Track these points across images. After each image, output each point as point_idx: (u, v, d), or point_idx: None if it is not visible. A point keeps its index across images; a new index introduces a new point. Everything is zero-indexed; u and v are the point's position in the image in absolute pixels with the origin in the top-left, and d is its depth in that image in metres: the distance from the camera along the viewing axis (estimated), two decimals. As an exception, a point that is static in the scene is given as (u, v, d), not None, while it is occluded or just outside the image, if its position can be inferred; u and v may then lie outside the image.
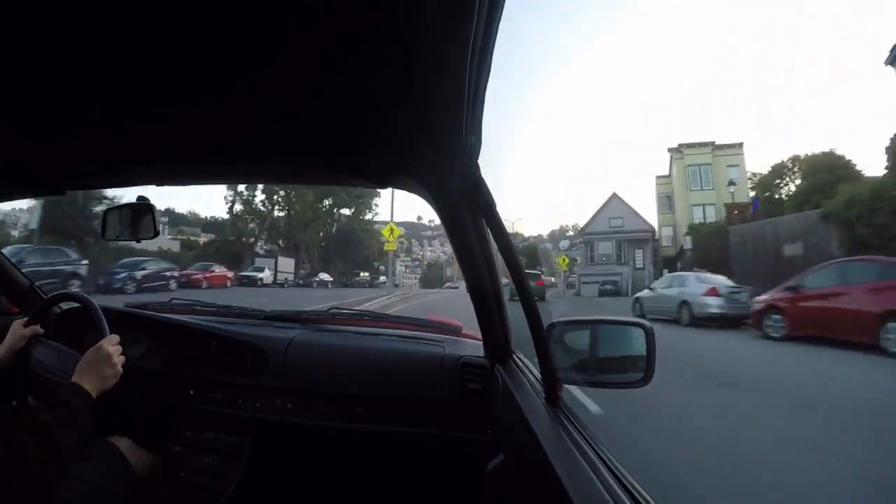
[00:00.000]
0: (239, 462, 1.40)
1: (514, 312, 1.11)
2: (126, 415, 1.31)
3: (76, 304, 1.31)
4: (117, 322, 1.42)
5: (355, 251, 36.21)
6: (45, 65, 0.56)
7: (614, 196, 32.53)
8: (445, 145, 0.73)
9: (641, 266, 28.46)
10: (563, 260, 29.38)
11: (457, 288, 42.05)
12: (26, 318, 1.22)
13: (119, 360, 1.05)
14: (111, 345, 1.05)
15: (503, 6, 0.45)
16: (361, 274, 33.86)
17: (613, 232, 30.58)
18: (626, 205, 32.23)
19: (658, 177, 34.14)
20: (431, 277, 68.31)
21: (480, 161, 0.77)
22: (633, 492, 0.63)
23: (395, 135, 0.74)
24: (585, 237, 32.08)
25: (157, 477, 1.32)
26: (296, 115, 0.71)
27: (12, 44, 0.51)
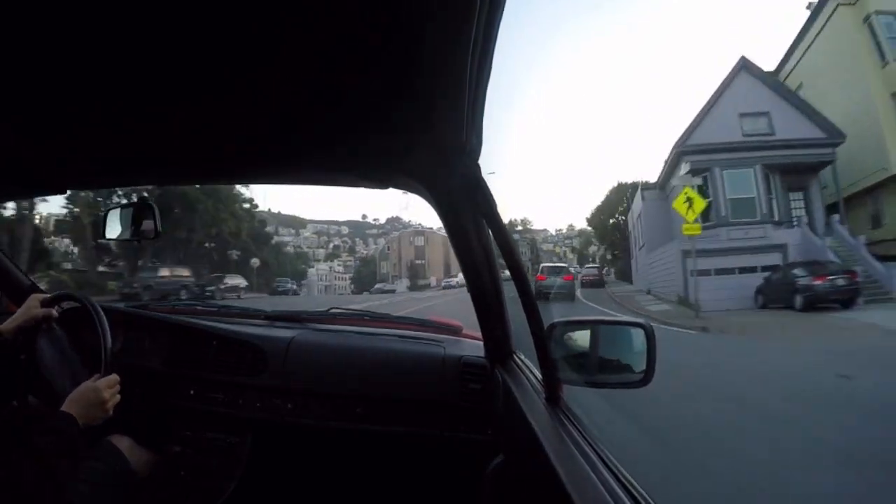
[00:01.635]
0: (239, 462, 1.40)
1: (515, 312, 1.11)
2: (126, 415, 1.31)
3: (77, 304, 1.31)
4: (118, 322, 1.42)
5: (171, 232, 18.82)
6: (45, 65, 0.56)
7: (742, 66, 14.51)
8: (445, 145, 0.73)
9: (807, 221, 13.67)
10: (691, 198, 11.55)
11: (392, 291, 34.04)
12: (45, 297, 1.22)
13: (112, 403, 1.04)
14: (108, 388, 1.04)
15: (503, 6, 0.45)
16: (165, 272, 16.15)
17: (753, 146, 13.57)
18: (771, 84, 14.52)
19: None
20: (365, 277, 57.76)
21: (480, 161, 0.77)
22: (633, 492, 0.63)
23: (395, 135, 0.74)
24: (694, 162, 13.91)
25: (158, 477, 1.32)
26: (296, 115, 0.71)
27: (12, 44, 0.51)
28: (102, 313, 1.19)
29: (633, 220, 22.00)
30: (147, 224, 1.34)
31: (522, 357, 1.27)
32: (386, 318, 1.76)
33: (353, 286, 54.52)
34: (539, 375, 1.02)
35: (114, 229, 1.35)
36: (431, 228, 57.02)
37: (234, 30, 0.49)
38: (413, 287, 42.80)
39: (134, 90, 0.63)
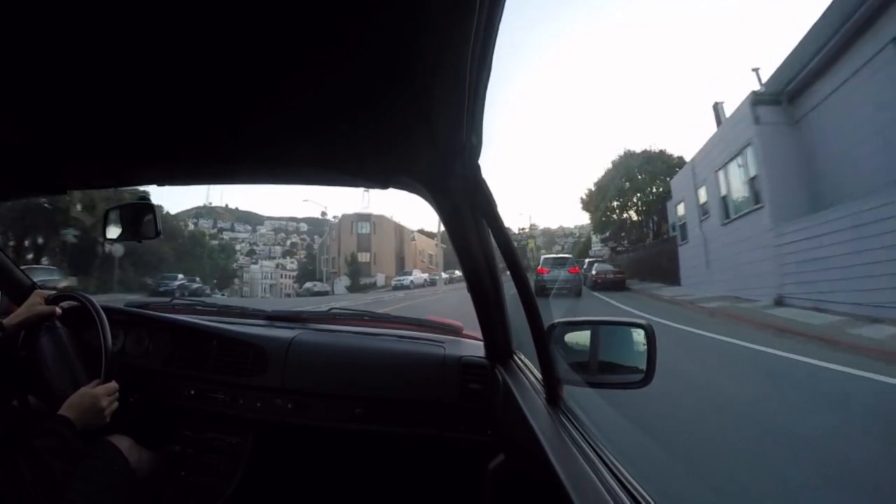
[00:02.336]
0: (239, 462, 1.40)
1: (515, 312, 1.11)
2: (126, 415, 1.31)
3: (77, 304, 1.31)
4: (118, 322, 1.42)
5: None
6: (45, 65, 0.56)
7: None
8: (446, 145, 0.73)
9: None
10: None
11: (326, 293, 27.26)
12: (49, 293, 1.23)
13: (110, 411, 1.05)
14: (106, 395, 1.05)
15: (503, 6, 0.45)
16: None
17: None
18: None
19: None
20: (310, 275, 47.49)
21: (481, 161, 0.77)
22: (633, 492, 0.63)
23: (395, 135, 0.74)
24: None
25: (158, 476, 1.32)
26: (296, 115, 0.71)
27: (13, 44, 0.51)
28: (103, 314, 1.19)
29: (696, 183, 13.64)
30: (147, 223, 1.34)
31: (522, 357, 1.27)
32: (386, 318, 1.77)
33: (296, 285, 45.02)
34: (539, 375, 1.02)
35: (114, 229, 1.35)
36: (381, 213, 42.95)
37: (233, 30, 0.49)
38: (354, 287, 31.96)
39: (134, 90, 0.63)
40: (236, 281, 36.73)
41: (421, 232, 46.97)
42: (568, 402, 0.95)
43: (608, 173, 28.88)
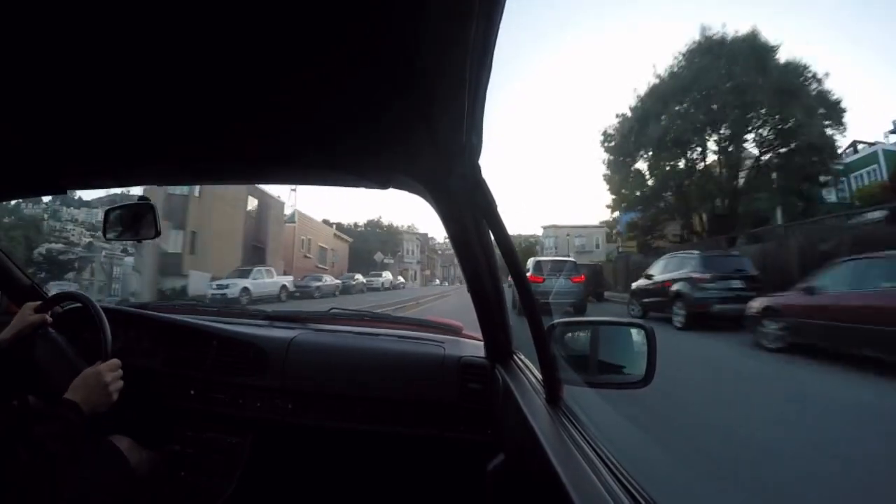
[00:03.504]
0: (239, 462, 1.40)
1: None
2: (126, 414, 1.31)
3: (77, 304, 1.31)
4: (118, 322, 1.42)
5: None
6: (45, 64, 0.56)
7: None
8: (445, 145, 0.72)
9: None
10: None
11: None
12: (37, 303, 1.22)
13: (115, 387, 1.04)
14: (110, 371, 1.04)
15: (503, 6, 0.45)
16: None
17: None
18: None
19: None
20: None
21: (481, 161, 0.77)
22: (633, 492, 0.63)
23: (395, 135, 0.74)
24: None
25: (158, 476, 1.32)
26: (296, 115, 0.71)
27: (13, 43, 0.51)
28: (102, 313, 1.19)
29: None
30: (147, 223, 1.34)
31: (523, 357, 1.27)
32: (386, 318, 1.77)
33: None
34: (539, 375, 1.02)
35: (114, 229, 1.35)
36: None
37: (234, 30, 0.49)
38: (143, 291, 16.86)
39: (134, 90, 0.63)
40: (100, 274, 22.81)
41: (326, 222, 30.55)
42: (568, 402, 0.95)
43: (667, 80, 14.82)
